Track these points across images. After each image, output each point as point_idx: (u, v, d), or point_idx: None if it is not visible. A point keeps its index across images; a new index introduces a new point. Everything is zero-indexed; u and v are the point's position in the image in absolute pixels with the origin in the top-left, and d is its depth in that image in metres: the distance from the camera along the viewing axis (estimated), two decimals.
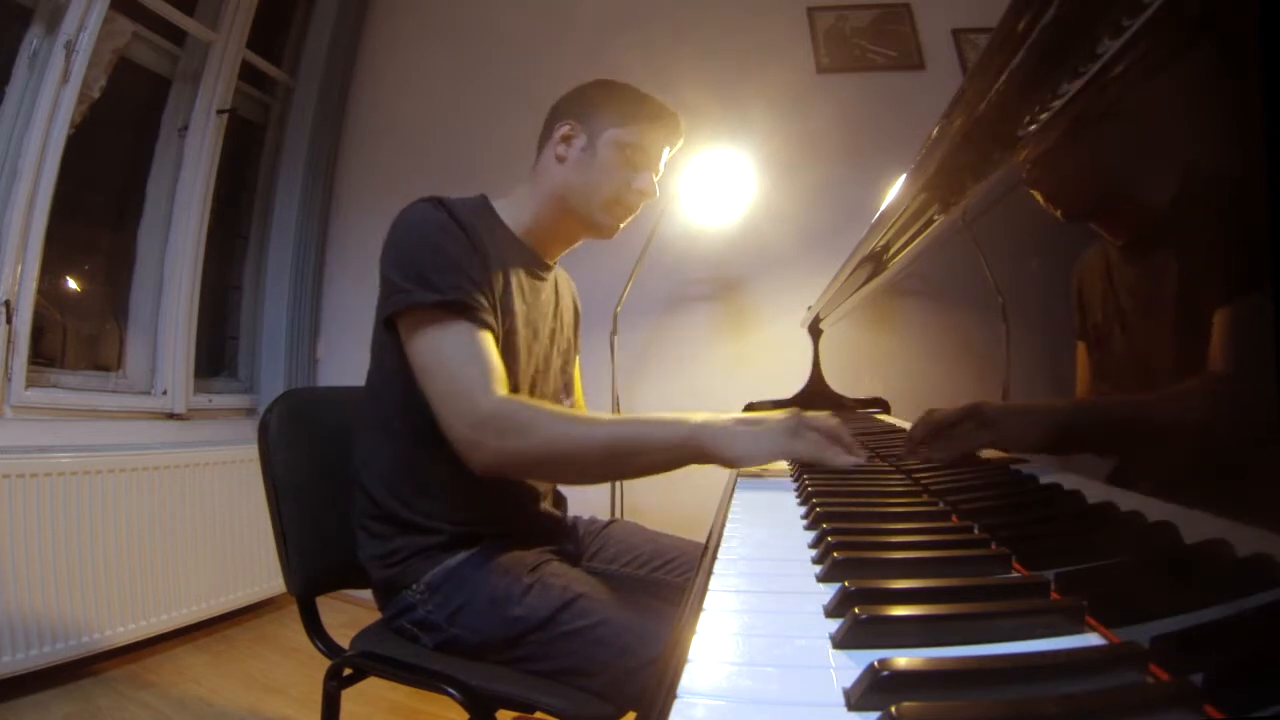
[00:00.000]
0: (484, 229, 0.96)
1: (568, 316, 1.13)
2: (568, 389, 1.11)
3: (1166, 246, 0.34)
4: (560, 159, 1.00)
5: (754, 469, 0.90)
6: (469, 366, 0.84)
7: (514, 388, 0.97)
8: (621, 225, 1.03)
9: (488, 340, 0.87)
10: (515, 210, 1.02)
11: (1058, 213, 0.47)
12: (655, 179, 1.02)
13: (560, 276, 1.12)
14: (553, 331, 1.06)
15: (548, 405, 0.87)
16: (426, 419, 0.86)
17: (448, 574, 0.89)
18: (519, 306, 0.97)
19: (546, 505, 1.03)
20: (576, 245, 1.08)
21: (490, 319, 0.89)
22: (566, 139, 1.00)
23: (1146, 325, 0.36)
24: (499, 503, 0.95)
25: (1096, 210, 0.42)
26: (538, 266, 1.04)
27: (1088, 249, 0.42)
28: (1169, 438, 0.34)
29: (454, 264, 0.87)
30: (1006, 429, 0.56)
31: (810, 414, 0.86)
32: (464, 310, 0.86)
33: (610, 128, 0.99)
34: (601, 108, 1.01)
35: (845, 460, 0.82)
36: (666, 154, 1.04)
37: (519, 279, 0.99)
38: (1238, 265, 0.28)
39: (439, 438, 0.86)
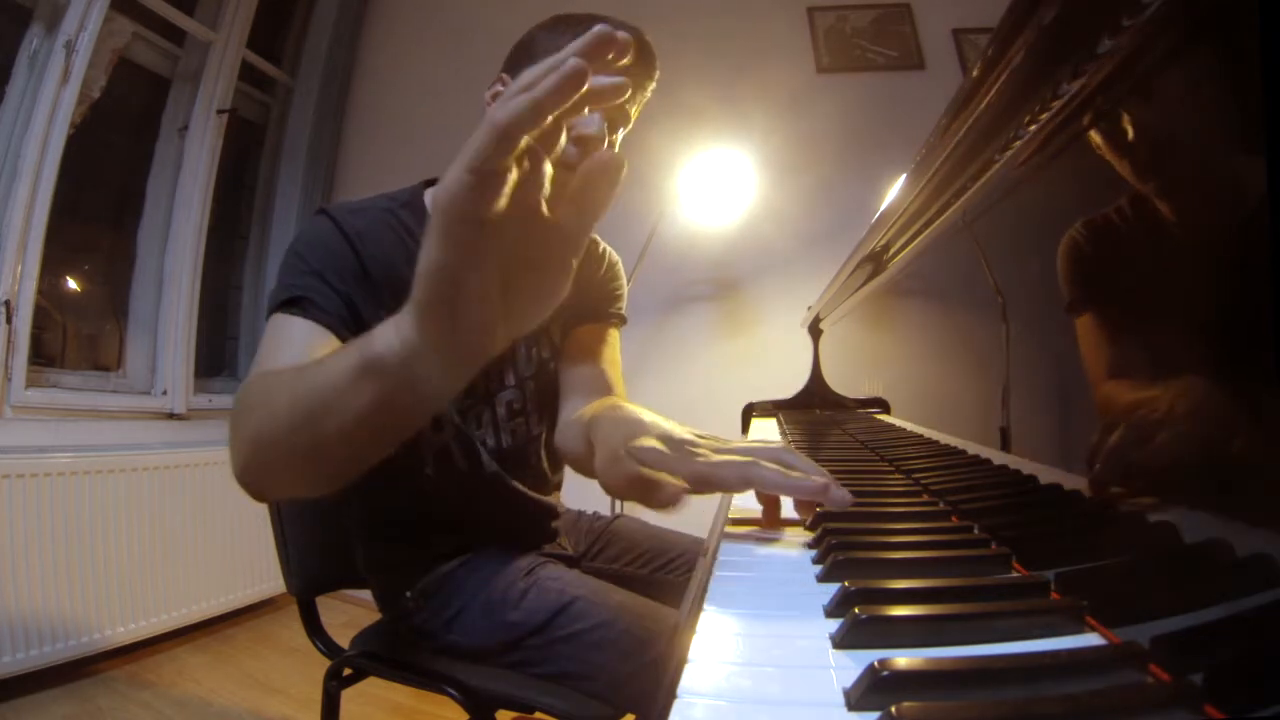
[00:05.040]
0: (389, 232, 0.84)
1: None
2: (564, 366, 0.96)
3: (1167, 245, 0.34)
4: None
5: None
6: (268, 355, 0.72)
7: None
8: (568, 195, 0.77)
9: (310, 329, 0.73)
10: None
11: (1110, 159, 0.43)
12: (605, 124, 0.74)
13: None
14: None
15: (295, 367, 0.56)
16: None
17: (442, 581, 0.88)
18: None
19: (542, 508, 1.02)
20: None
21: (335, 311, 0.74)
22: (495, 97, 0.81)
23: (1146, 324, 0.36)
24: (492, 507, 0.95)
25: (1095, 207, 0.42)
26: None
27: (1087, 246, 0.42)
28: (1169, 437, 0.34)
29: (311, 270, 0.77)
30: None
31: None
32: (296, 304, 0.74)
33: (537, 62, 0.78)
34: (533, 44, 0.82)
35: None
36: (638, 100, 0.81)
37: None
38: (1238, 264, 0.28)
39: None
